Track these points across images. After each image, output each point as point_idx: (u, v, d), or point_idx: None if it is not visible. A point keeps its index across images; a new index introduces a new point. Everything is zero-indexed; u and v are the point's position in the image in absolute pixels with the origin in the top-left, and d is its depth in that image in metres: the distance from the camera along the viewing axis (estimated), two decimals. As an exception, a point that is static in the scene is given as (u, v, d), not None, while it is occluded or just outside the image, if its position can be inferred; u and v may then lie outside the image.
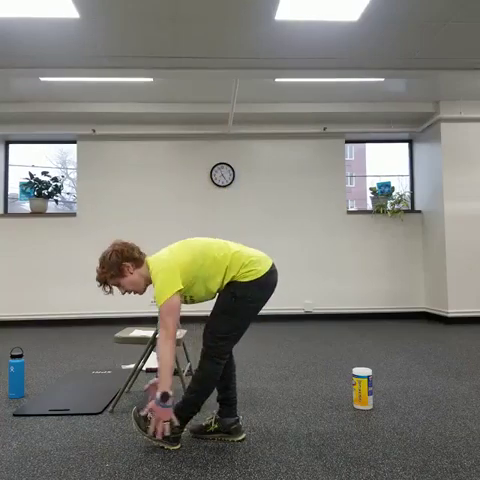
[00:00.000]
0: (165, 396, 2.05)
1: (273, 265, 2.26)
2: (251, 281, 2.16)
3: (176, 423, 2.11)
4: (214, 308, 2.23)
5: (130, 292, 2.29)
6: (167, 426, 2.08)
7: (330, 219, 6.69)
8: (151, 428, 2.10)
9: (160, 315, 2.13)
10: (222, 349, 2.18)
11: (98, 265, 2.25)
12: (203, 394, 2.20)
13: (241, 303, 2.17)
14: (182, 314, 2.26)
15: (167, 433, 2.09)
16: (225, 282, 2.20)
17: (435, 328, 5.75)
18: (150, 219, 6.55)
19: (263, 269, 2.19)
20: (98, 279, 2.25)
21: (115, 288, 2.28)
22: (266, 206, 6.63)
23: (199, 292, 2.23)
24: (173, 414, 2.10)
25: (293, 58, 4.50)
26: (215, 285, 2.21)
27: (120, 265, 2.21)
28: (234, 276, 2.17)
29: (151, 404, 2.08)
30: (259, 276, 2.17)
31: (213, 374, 2.19)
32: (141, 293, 2.32)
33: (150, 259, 2.26)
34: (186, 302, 2.28)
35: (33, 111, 6.01)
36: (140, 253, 2.29)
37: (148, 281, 2.26)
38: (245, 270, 2.17)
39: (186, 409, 2.18)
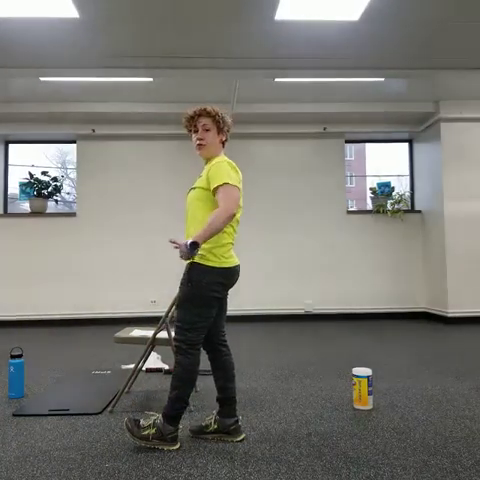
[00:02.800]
0: (195, 245, 2.04)
1: (238, 266, 2.28)
2: (211, 268, 2.16)
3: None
4: (177, 300, 2.24)
5: (202, 142, 2.30)
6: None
7: (330, 219, 6.69)
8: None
9: (220, 197, 2.12)
10: (191, 340, 2.18)
11: (220, 109, 2.35)
12: (186, 388, 2.19)
13: (197, 289, 2.16)
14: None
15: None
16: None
17: (435, 328, 5.75)
18: (150, 219, 6.55)
19: (227, 263, 2.20)
20: (209, 110, 2.30)
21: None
22: (266, 206, 6.63)
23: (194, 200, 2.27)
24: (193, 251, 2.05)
25: (293, 58, 4.50)
26: (198, 214, 2.22)
27: (224, 128, 2.34)
28: (206, 242, 2.15)
29: (182, 242, 2.06)
30: (221, 267, 2.17)
31: (190, 366, 2.19)
32: (200, 152, 2.32)
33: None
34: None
35: (33, 111, 6.01)
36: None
37: (210, 157, 2.32)
38: (213, 252, 2.16)
39: (174, 406, 2.18)
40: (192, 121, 2.33)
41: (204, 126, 2.29)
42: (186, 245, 2.02)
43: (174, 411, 2.18)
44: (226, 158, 2.27)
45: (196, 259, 2.17)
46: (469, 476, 1.89)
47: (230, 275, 2.24)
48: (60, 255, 6.47)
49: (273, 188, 6.67)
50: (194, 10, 3.66)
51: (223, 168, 2.18)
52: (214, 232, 2.07)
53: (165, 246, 6.46)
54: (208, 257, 2.16)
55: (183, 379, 2.18)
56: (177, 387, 2.18)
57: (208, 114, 2.29)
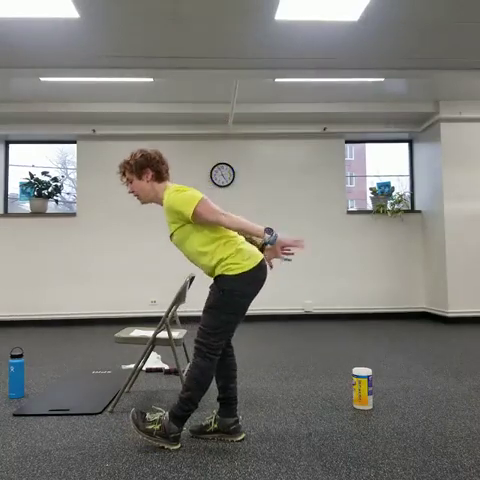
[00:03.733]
0: (267, 230, 2.18)
1: (263, 260, 2.26)
2: (238, 274, 2.15)
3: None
4: (205, 304, 2.23)
5: (134, 194, 2.35)
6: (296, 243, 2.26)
7: (330, 219, 6.69)
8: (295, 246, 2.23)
9: (204, 218, 2.15)
10: (213, 345, 2.18)
11: (129, 156, 2.33)
12: (199, 391, 2.19)
13: (229, 297, 2.17)
14: (181, 314, 2.26)
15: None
16: (213, 261, 2.19)
17: (435, 328, 5.75)
18: (150, 219, 6.54)
19: (250, 264, 2.18)
20: (120, 166, 2.35)
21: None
22: (266, 206, 6.62)
23: (188, 246, 2.26)
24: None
25: (293, 58, 4.50)
26: (201, 251, 2.21)
27: (143, 168, 2.29)
28: (222, 259, 2.17)
29: (275, 246, 2.23)
30: (246, 270, 2.16)
31: (207, 370, 2.18)
32: (141, 202, 2.37)
33: (171, 184, 2.32)
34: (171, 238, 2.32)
35: (33, 111, 6.01)
36: (166, 172, 2.36)
37: (157, 199, 2.33)
38: (233, 261, 2.16)
39: (183, 407, 2.17)
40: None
41: (127, 180, 2.34)
42: (271, 239, 2.18)
43: (182, 412, 2.18)
44: (171, 188, 2.25)
45: (222, 272, 2.17)
46: (469, 476, 1.89)
47: (259, 272, 2.22)
48: (60, 255, 6.47)
49: (273, 188, 6.67)
50: (194, 10, 3.66)
51: (179, 197, 2.18)
52: (245, 222, 2.18)
53: (165, 246, 6.46)
54: (231, 267, 2.16)
55: (198, 381, 2.18)
56: (190, 388, 2.17)
57: (122, 169, 2.34)
